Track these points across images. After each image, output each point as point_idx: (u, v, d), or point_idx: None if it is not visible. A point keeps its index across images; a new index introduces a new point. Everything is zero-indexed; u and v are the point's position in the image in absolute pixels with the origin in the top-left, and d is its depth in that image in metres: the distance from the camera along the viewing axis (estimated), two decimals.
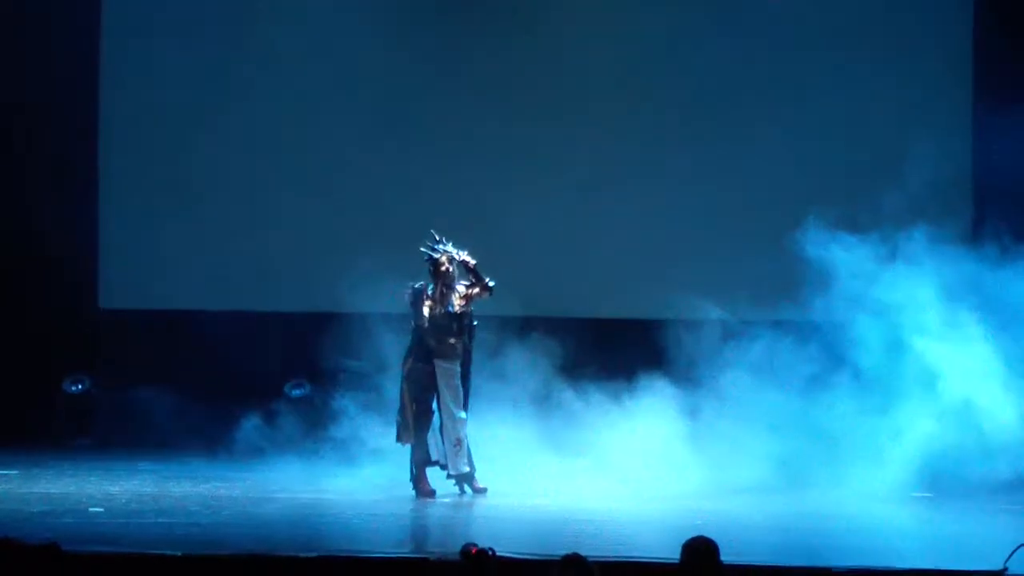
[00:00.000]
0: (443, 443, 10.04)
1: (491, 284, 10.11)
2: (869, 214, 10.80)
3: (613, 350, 11.87)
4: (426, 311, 9.99)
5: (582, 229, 12.85)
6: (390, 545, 7.92)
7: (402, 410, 10.15)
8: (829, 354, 10.58)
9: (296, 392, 13.21)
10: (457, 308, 10.06)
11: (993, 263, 10.59)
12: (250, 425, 11.98)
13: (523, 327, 11.39)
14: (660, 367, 11.06)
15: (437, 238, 10.13)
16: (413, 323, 10.11)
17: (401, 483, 10.33)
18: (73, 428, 13.11)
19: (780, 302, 10.73)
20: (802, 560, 7.39)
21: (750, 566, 6.90)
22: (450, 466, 10.03)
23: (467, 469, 10.08)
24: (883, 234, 10.68)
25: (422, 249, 10.14)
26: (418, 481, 10.09)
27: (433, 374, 10.06)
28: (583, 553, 5.59)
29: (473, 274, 10.10)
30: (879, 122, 12.63)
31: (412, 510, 9.58)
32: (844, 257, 10.58)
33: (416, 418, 10.06)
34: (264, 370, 12.98)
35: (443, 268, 10.05)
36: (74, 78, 13.31)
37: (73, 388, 13.30)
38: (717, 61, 12.94)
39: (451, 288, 10.08)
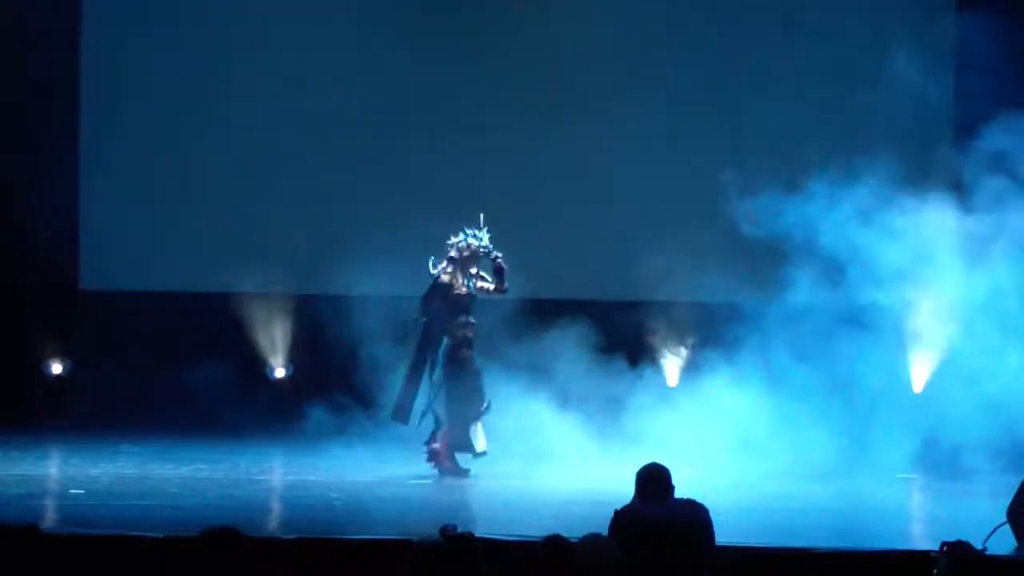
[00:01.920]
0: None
1: (507, 289, 10.13)
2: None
3: (615, 331, 11.85)
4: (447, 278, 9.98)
5: (577, 211, 12.80)
6: (373, 527, 7.90)
7: (409, 391, 10.06)
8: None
9: (278, 374, 13.23)
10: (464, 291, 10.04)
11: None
12: (233, 407, 11.98)
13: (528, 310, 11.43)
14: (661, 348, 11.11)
15: (480, 227, 10.10)
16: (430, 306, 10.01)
17: (385, 463, 10.32)
18: (54, 409, 13.08)
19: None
20: (783, 541, 7.41)
21: (732, 547, 6.90)
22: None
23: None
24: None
25: (464, 232, 10.08)
26: (447, 459, 10.02)
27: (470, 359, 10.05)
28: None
29: (499, 276, 10.07)
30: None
31: (396, 492, 9.57)
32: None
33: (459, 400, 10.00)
34: (247, 352, 13.00)
35: (466, 254, 10.03)
36: (55, 59, 13.23)
37: (54, 369, 13.27)
38: (705, 44, 12.91)
39: (466, 275, 10.05)
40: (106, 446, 11.41)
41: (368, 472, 10.18)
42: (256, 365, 13.09)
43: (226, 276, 12.76)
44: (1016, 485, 7.69)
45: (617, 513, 5.91)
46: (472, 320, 10.07)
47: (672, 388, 12.11)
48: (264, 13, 13.17)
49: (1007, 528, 7.47)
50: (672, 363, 12.50)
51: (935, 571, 5.45)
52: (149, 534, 7.24)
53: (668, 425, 10.54)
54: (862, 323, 10.72)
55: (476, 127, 13.02)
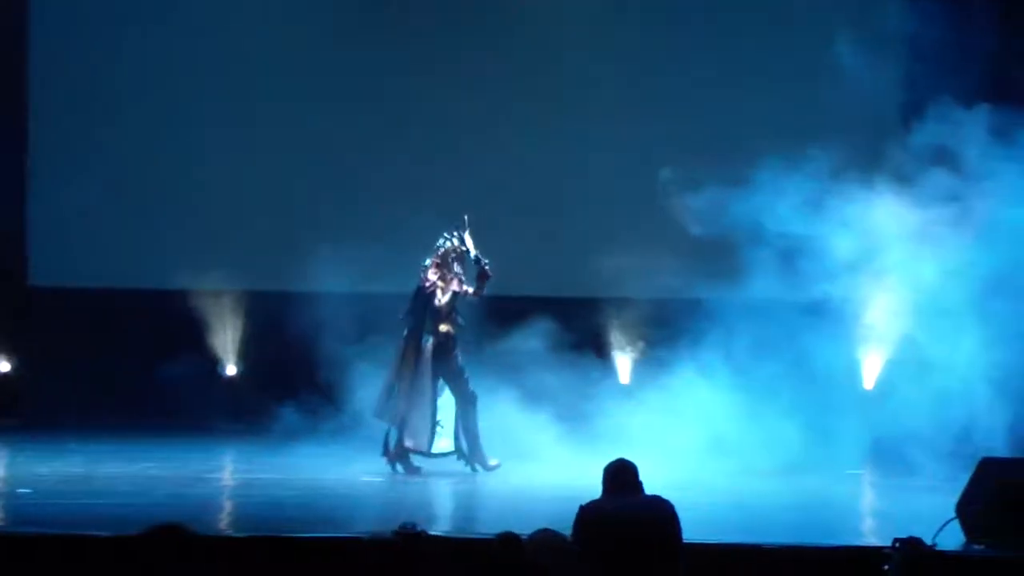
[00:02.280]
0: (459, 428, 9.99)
1: (483, 295, 10.14)
2: None
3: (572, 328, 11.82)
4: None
5: (535, 209, 12.74)
6: (322, 525, 7.83)
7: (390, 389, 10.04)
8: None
9: (230, 371, 13.13)
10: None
11: None
12: (184, 405, 11.86)
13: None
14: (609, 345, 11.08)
15: (464, 227, 10.05)
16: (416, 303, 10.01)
17: (337, 462, 10.26)
18: (1, 407, 12.89)
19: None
20: (734, 537, 7.41)
21: (692, 544, 6.88)
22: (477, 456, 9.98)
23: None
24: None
25: (451, 235, 10.05)
26: (401, 458, 10.01)
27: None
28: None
29: (481, 282, 10.03)
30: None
31: (346, 490, 9.51)
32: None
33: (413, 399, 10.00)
34: (196, 349, 12.88)
35: (453, 257, 10.03)
36: (2, 55, 13.06)
37: (1, 367, 13.09)
38: (654, 40, 12.90)
39: (452, 277, 10.05)
40: (54, 444, 11.27)
41: (321, 470, 10.10)
42: (208, 363, 12.98)
43: (177, 273, 12.63)
44: (965, 481, 7.74)
45: (582, 508, 5.88)
46: (459, 320, 10.10)
47: (626, 385, 12.12)
48: (216, 5, 13.05)
49: (956, 523, 7.52)
50: (626, 360, 12.50)
51: (886, 567, 5.47)
52: (96, 533, 7.14)
53: (623, 422, 10.54)
54: (814, 317, 10.74)
55: (433, 125, 12.94)
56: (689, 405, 10.66)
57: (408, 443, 9.96)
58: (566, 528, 5.79)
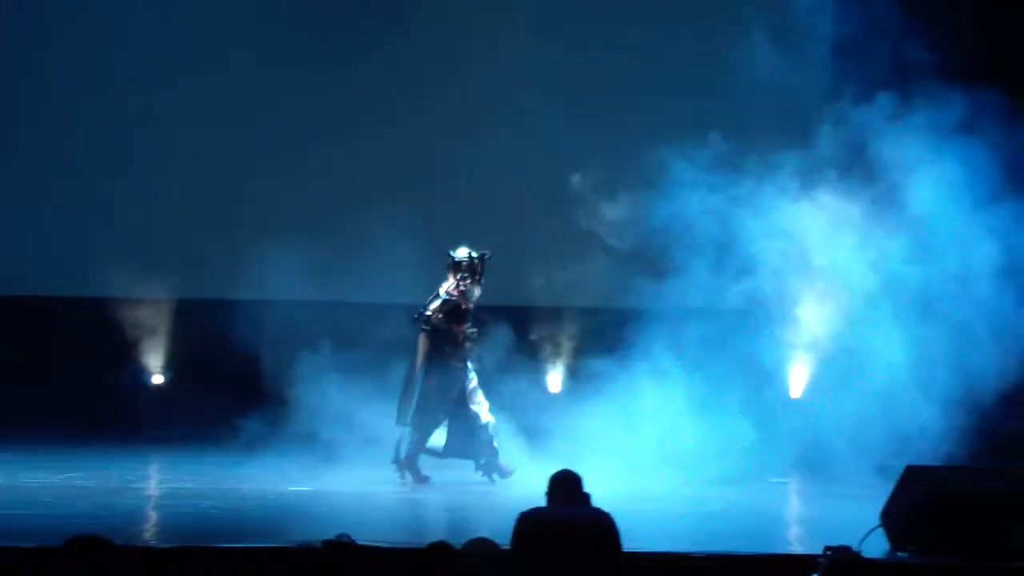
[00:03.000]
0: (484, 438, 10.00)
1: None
2: None
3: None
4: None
5: (473, 213, 12.58)
6: (248, 535, 7.69)
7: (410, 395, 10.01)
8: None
9: (156, 380, 12.93)
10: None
11: None
12: (109, 414, 11.64)
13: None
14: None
15: (486, 259, 10.15)
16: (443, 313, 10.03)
17: (266, 472, 10.13)
18: None
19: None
20: (666, 545, 7.37)
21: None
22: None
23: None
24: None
25: (471, 251, 10.10)
26: (411, 467, 9.97)
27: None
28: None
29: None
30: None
31: (274, 500, 9.36)
32: None
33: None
34: (125, 357, 12.65)
35: (474, 268, 10.09)
36: None
37: None
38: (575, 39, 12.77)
39: (471, 288, 10.11)
40: None
41: (249, 480, 9.94)
42: (134, 371, 12.76)
43: (102, 280, 12.38)
44: (891, 488, 7.75)
45: (521, 516, 5.83)
46: (473, 329, 10.18)
47: (556, 394, 12.06)
48: (150, 7, 12.84)
49: (882, 531, 7.53)
50: (556, 369, 12.45)
51: (814, 575, 5.45)
52: (17, 544, 6.96)
53: (553, 431, 10.48)
54: (741, 323, 10.75)
55: (366, 130, 12.77)
56: (620, 414, 10.62)
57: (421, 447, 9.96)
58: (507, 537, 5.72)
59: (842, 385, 10.44)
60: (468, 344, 10.10)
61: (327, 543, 5.73)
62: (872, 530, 7.31)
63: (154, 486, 10.31)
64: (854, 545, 6.38)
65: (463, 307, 10.06)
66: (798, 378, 11.32)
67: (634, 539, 6.90)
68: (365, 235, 11.31)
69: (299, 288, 11.12)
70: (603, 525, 5.89)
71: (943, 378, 10.19)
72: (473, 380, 10.11)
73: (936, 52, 10.83)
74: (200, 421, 11.23)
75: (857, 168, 10.64)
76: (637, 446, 10.36)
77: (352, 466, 10.13)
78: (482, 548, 5.70)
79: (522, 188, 12.56)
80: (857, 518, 7.62)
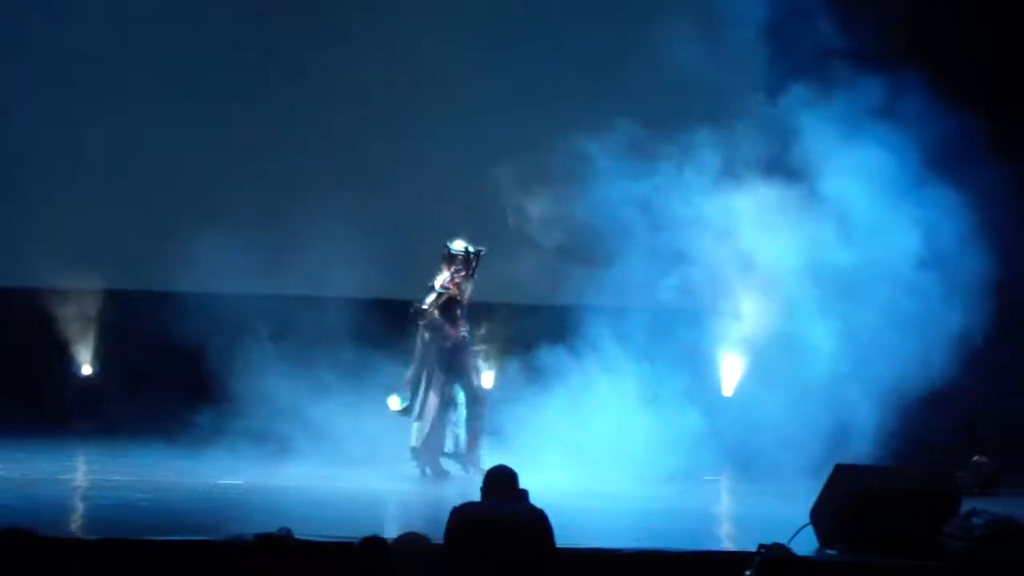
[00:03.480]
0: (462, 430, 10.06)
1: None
2: None
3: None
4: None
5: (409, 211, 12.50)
6: (177, 528, 7.57)
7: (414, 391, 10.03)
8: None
9: (85, 371, 12.74)
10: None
11: None
12: (36, 405, 11.46)
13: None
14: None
15: (480, 255, 10.16)
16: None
17: (196, 464, 10.01)
18: None
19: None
20: (599, 542, 7.36)
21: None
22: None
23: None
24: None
25: (468, 245, 10.11)
26: (431, 462, 9.98)
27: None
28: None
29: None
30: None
31: (204, 493, 9.23)
32: None
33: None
34: (51, 349, 12.42)
35: (470, 263, 10.14)
36: None
37: None
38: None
39: (466, 282, 10.17)
40: None
41: (179, 473, 9.81)
42: (61, 362, 12.54)
43: (30, 270, 12.16)
44: (820, 487, 7.79)
45: (454, 510, 5.81)
46: (467, 324, 10.18)
47: (488, 390, 12.02)
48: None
49: (811, 529, 7.58)
50: (489, 367, 12.40)
51: (747, 572, 5.47)
52: None
53: (489, 428, 10.46)
54: (674, 320, 10.78)
55: (295, 120, 12.57)
56: (554, 411, 10.60)
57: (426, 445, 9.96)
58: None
59: (774, 381, 10.49)
60: (465, 336, 10.11)
61: (259, 537, 5.66)
62: (801, 528, 7.35)
63: (82, 478, 10.14)
64: (785, 543, 6.42)
65: (458, 299, 10.06)
66: (730, 375, 11.37)
67: (570, 535, 6.91)
68: (302, 227, 11.21)
69: (236, 280, 10.98)
70: (536, 521, 5.87)
71: (873, 374, 10.28)
72: (478, 363, 10.22)
73: (859, 36, 10.84)
74: (131, 413, 11.06)
75: (784, 155, 10.66)
76: (571, 442, 10.36)
77: (290, 460, 10.04)
78: (415, 542, 5.67)
79: (452, 184, 12.47)
80: (789, 516, 7.65)
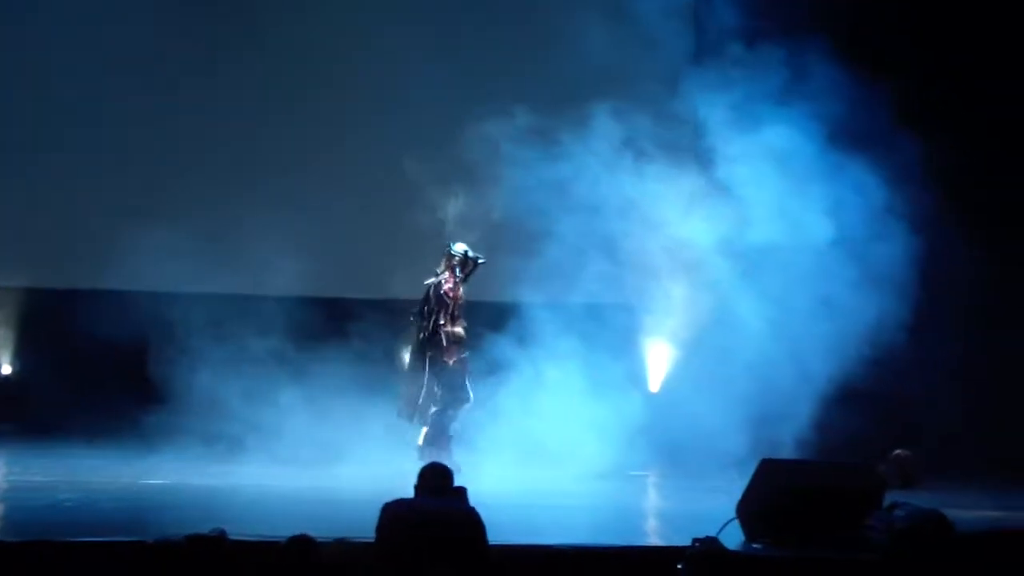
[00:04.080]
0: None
1: None
2: None
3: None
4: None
5: (330, 211, 12.39)
6: (104, 529, 7.47)
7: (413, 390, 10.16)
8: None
9: (4, 371, 12.54)
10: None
11: None
12: None
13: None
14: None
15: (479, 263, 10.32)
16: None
17: (122, 464, 9.88)
18: None
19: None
20: (528, 539, 7.36)
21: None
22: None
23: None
24: None
25: (468, 249, 10.26)
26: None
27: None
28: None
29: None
30: None
31: (131, 493, 9.11)
32: None
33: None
34: None
35: (466, 263, 10.34)
36: None
37: None
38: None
39: (463, 282, 10.36)
40: None
41: (104, 472, 9.66)
42: None
43: None
44: (746, 482, 7.87)
45: (385, 506, 5.79)
46: (464, 323, 10.29)
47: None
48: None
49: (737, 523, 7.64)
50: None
51: (680, 566, 5.51)
52: None
53: (402, 426, 10.44)
54: (599, 317, 10.82)
55: (217, 119, 12.47)
56: (481, 408, 10.61)
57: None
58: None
59: (702, 377, 10.56)
60: (463, 336, 10.24)
61: (189, 537, 5.61)
62: (727, 522, 7.40)
63: (1, 479, 9.97)
64: (699, 536, 6.49)
65: (454, 299, 10.19)
66: (657, 369, 11.45)
67: (504, 532, 6.92)
68: (233, 225, 11.12)
69: (165, 278, 10.87)
70: (467, 518, 5.87)
71: (796, 366, 10.38)
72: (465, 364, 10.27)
73: (765, 15, 10.87)
74: (54, 413, 10.90)
75: (693, 139, 10.70)
76: (502, 439, 10.37)
77: (221, 458, 9.97)
78: (345, 540, 5.67)
79: (374, 184, 12.40)
80: (717, 511, 7.69)
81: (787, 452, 9.86)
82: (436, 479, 5.89)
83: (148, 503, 8.79)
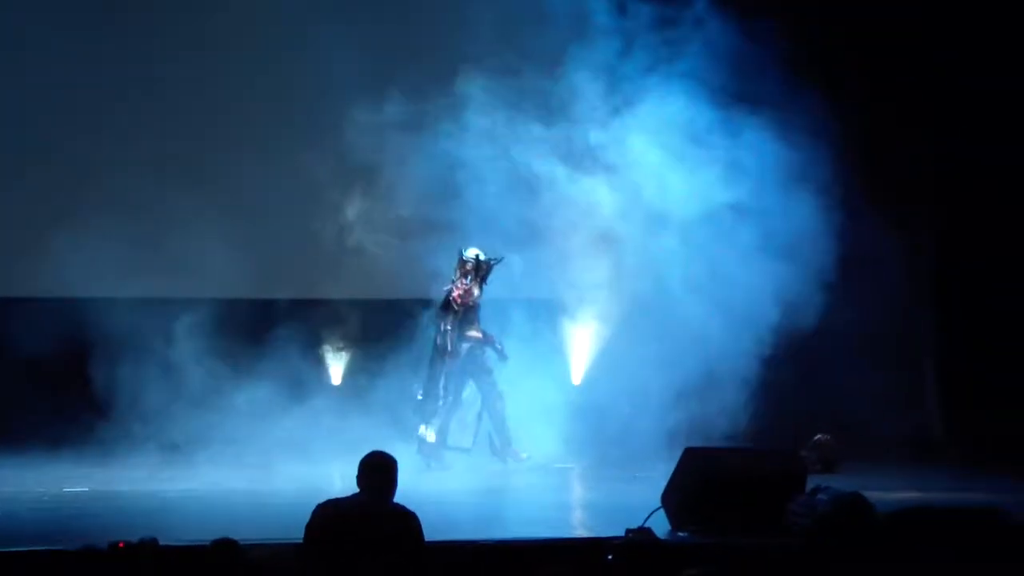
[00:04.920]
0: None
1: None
2: None
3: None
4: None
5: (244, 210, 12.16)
6: (24, 538, 7.32)
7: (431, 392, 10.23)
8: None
9: None
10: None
11: None
12: None
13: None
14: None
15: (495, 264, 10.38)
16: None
17: (40, 473, 9.71)
18: None
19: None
20: (458, 535, 7.33)
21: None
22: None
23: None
24: None
25: (480, 253, 10.30)
26: (436, 456, 10.24)
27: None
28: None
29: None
30: None
31: (51, 502, 8.96)
32: None
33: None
34: None
35: (481, 268, 10.39)
36: None
37: None
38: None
39: (479, 286, 10.41)
40: None
41: (23, 481, 9.48)
42: None
43: None
44: (670, 471, 7.92)
45: (317, 507, 5.72)
46: (479, 328, 10.36)
47: (336, 386, 11.95)
48: None
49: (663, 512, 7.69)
50: (338, 361, 12.33)
51: (610, 556, 5.53)
52: None
53: (333, 425, 10.37)
54: (522, 310, 10.82)
55: (139, 120, 12.26)
56: (399, 404, 10.58)
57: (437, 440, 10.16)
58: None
59: (619, 369, 10.59)
60: (476, 337, 10.29)
61: (112, 545, 5.53)
62: (653, 512, 7.42)
63: None
64: (632, 527, 6.53)
65: (466, 303, 10.24)
66: (578, 364, 11.47)
67: (434, 530, 6.90)
68: (160, 229, 10.99)
69: (89, 284, 10.70)
70: (400, 517, 5.82)
71: (727, 358, 10.45)
72: (492, 365, 10.35)
73: None
74: None
75: (593, 112, 10.66)
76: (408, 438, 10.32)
77: (150, 465, 9.86)
78: (271, 544, 5.61)
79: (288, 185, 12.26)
80: (644, 501, 7.72)
81: (709, 439, 9.93)
82: (381, 472, 5.79)
83: (72, 511, 8.63)
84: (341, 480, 7.59)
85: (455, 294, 10.26)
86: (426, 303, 10.73)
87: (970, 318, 11.98)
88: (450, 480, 9.72)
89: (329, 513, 5.69)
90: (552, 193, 10.63)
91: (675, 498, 7.76)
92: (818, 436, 10.43)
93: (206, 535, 6.26)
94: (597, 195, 10.66)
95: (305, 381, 11.09)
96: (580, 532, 8.03)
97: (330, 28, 11.44)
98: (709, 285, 10.48)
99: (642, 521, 7.02)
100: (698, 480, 7.70)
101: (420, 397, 10.29)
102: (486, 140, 10.54)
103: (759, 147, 10.49)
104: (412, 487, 8.68)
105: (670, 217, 10.56)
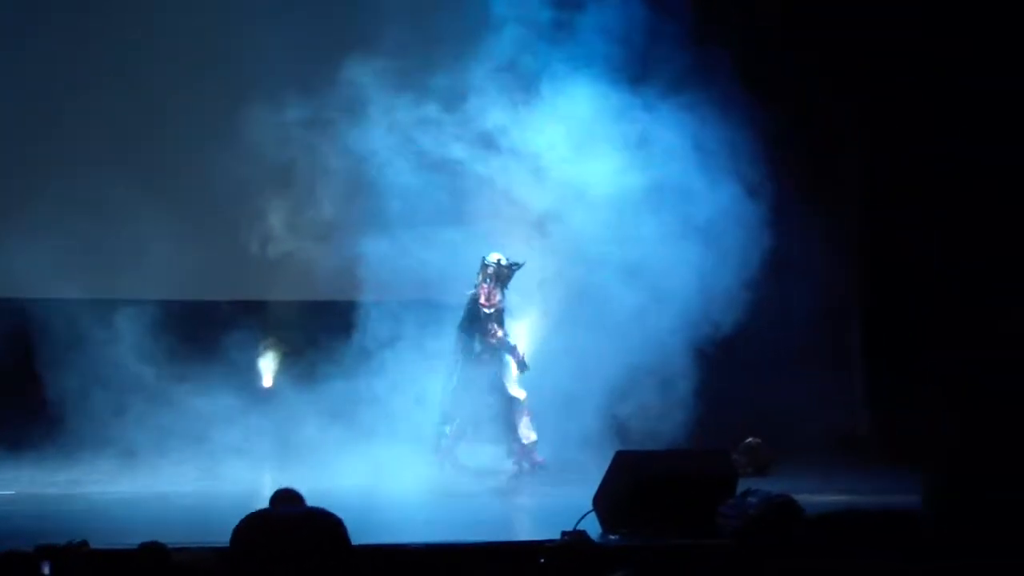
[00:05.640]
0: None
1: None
2: None
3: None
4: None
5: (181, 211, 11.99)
6: None
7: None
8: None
9: None
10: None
11: None
12: None
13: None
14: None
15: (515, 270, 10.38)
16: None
17: None
18: None
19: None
20: (384, 538, 7.31)
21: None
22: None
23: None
24: None
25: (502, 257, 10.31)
26: (451, 459, 10.30)
27: None
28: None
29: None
30: None
31: None
32: None
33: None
34: None
35: (503, 272, 10.41)
36: None
37: None
38: None
39: (500, 290, 10.43)
40: None
41: None
42: None
43: None
44: (602, 474, 7.94)
45: (247, 516, 5.66)
46: (502, 331, 10.37)
47: (268, 388, 11.87)
48: None
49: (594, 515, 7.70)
50: (268, 362, 12.24)
51: (543, 559, 5.53)
52: None
53: (262, 428, 10.30)
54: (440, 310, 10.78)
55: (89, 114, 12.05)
56: (331, 406, 10.51)
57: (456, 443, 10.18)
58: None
59: (546, 370, 10.57)
60: (495, 341, 10.28)
61: (40, 548, 5.46)
62: (584, 515, 7.44)
63: None
64: (567, 530, 6.53)
65: (486, 309, 10.26)
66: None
67: (363, 534, 6.86)
68: (100, 228, 10.85)
69: (29, 285, 10.56)
70: (325, 522, 5.78)
71: (649, 359, 10.47)
72: (511, 371, 10.29)
73: None
74: None
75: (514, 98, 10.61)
76: (350, 439, 10.27)
77: (79, 467, 9.72)
78: (199, 548, 5.57)
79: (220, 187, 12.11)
80: (576, 503, 7.73)
81: (639, 442, 9.97)
82: (290, 495, 5.78)
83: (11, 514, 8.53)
84: (274, 486, 7.51)
85: (482, 299, 10.27)
86: (356, 305, 10.66)
87: (900, 316, 12.03)
88: (395, 484, 9.62)
89: (254, 518, 5.65)
90: (465, 180, 10.56)
91: (607, 501, 7.78)
92: (749, 439, 10.49)
93: (134, 539, 6.21)
94: (512, 180, 10.60)
95: (243, 384, 10.97)
96: (515, 535, 8.03)
97: (257, 25, 11.34)
98: (633, 280, 10.47)
99: (574, 524, 7.03)
100: (629, 483, 7.73)
101: (442, 399, 10.29)
102: (390, 130, 10.44)
103: (677, 128, 10.42)
104: (345, 489, 8.72)
105: (586, 200, 10.55)
